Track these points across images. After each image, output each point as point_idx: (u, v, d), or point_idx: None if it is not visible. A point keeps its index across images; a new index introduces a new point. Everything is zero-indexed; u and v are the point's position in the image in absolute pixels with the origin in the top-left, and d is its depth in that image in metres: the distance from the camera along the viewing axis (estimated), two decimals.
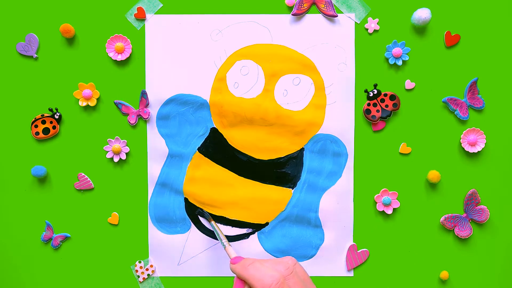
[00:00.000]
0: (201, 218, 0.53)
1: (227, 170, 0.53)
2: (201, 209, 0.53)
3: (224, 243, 0.48)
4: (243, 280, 0.41)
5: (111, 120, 0.53)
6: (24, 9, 0.53)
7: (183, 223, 0.54)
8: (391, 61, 0.52)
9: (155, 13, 0.53)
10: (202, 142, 0.54)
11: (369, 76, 0.53)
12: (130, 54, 0.53)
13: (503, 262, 0.54)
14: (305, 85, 0.53)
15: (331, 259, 0.54)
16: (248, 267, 0.41)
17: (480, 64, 0.53)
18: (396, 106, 0.53)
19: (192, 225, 0.54)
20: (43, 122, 0.53)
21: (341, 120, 0.53)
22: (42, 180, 0.54)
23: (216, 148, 0.53)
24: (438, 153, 0.53)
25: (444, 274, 0.53)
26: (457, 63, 0.53)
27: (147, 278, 0.54)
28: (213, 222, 0.51)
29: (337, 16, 0.52)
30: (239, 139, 0.53)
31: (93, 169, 0.54)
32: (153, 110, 0.53)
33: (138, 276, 0.54)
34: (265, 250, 0.54)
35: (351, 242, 0.54)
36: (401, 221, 0.54)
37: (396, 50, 0.52)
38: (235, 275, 0.43)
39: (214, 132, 0.53)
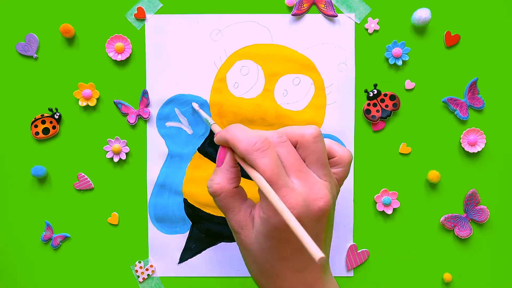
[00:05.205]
0: (193, 111, 0.53)
1: None
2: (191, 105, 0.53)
3: (210, 122, 0.48)
4: (226, 146, 0.38)
5: (111, 120, 0.53)
6: (24, 9, 0.53)
7: (182, 223, 0.54)
8: (391, 61, 0.52)
9: (155, 13, 0.53)
10: (202, 142, 0.54)
11: (369, 76, 0.53)
12: (130, 54, 0.53)
13: (503, 262, 0.54)
14: (305, 85, 0.53)
15: (331, 259, 0.53)
16: (231, 128, 0.37)
17: (480, 64, 0.53)
18: (396, 106, 0.53)
19: (192, 225, 0.54)
20: (43, 122, 0.53)
21: (341, 120, 0.53)
22: (42, 180, 0.54)
23: (216, 149, 0.53)
24: (438, 153, 0.53)
25: (445, 275, 0.53)
26: (457, 63, 0.53)
27: (147, 278, 0.54)
28: (196, 106, 0.52)
29: (337, 16, 0.52)
30: None
31: (93, 169, 0.54)
32: (153, 110, 0.53)
33: (138, 276, 0.54)
34: None
35: (351, 242, 0.54)
36: (401, 221, 0.54)
37: (396, 50, 0.52)
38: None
39: (214, 132, 0.53)
